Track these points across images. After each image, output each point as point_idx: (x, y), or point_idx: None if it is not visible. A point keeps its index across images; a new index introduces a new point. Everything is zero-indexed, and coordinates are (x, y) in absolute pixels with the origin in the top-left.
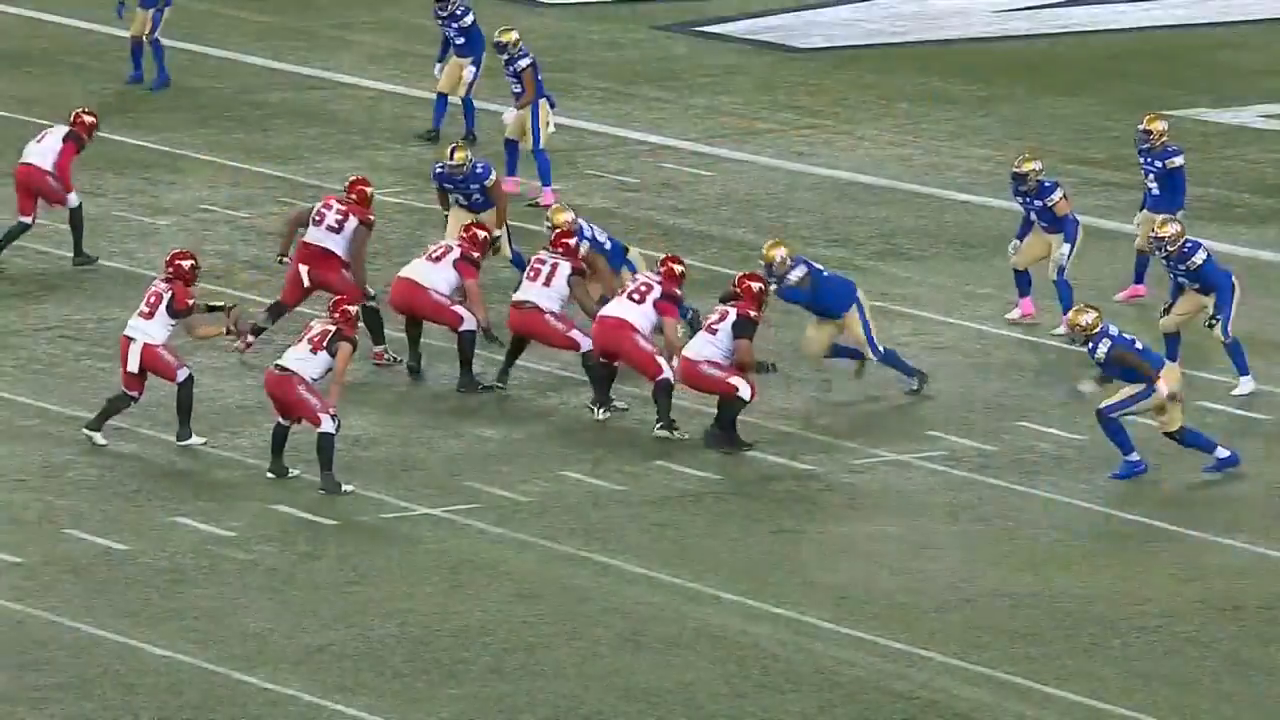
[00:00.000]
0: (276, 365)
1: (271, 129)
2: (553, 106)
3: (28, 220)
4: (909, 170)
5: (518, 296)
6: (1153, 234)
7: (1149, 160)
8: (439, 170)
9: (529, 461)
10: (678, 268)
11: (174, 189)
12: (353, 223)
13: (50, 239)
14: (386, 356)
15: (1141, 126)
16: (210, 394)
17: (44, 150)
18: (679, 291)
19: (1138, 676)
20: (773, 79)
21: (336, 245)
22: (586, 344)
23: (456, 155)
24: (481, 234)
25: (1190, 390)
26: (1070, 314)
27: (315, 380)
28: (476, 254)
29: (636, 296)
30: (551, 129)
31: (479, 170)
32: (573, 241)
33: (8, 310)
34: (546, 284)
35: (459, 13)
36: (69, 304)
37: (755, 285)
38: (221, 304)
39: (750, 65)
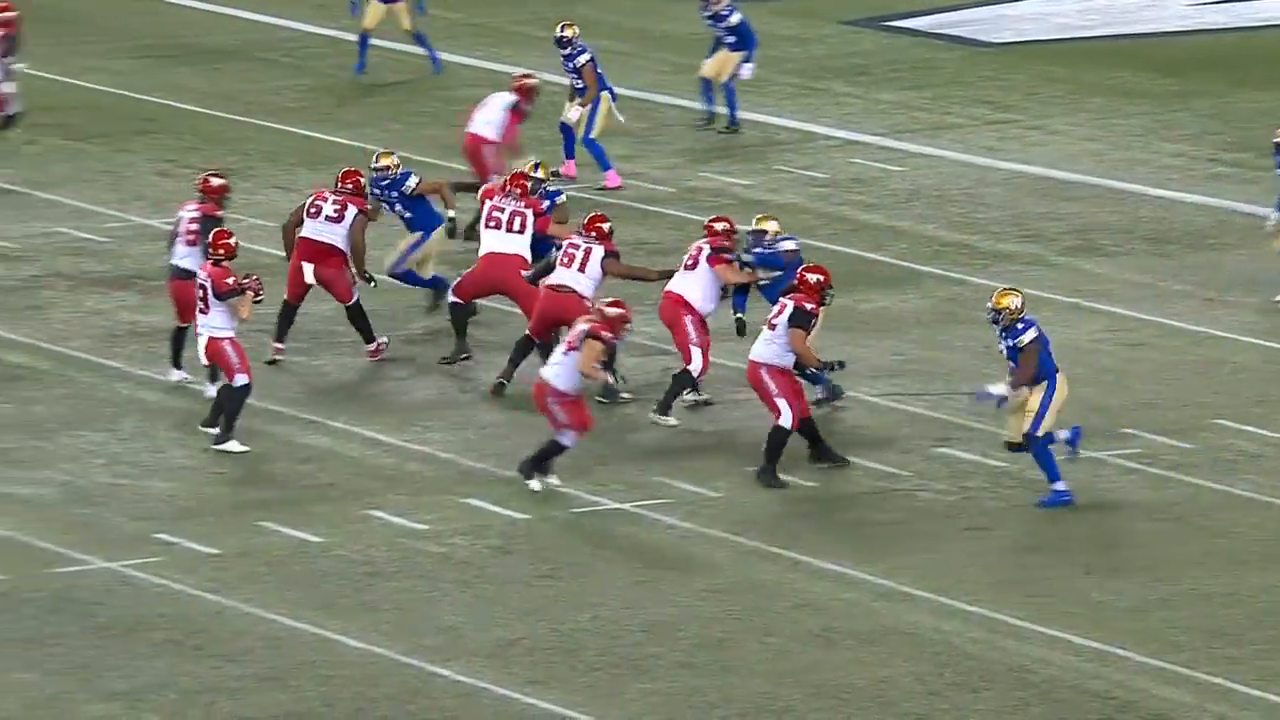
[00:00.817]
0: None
1: (463, 124)
2: (614, 98)
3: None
4: (1102, 165)
5: (553, 281)
6: None
7: None
8: (373, 175)
9: (719, 457)
10: (719, 225)
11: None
12: (352, 212)
13: (247, 234)
14: (384, 352)
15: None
16: (402, 388)
17: (489, 120)
18: (727, 242)
19: None
20: (963, 74)
21: (337, 236)
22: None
23: (382, 159)
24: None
25: None
26: (996, 296)
27: (569, 390)
28: (543, 204)
29: (691, 263)
30: (619, 118)
31: (399, 176)
32: (606, 226)
33: None
34: (581, 269)
35: (724, 13)
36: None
37: (813, 277)
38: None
39: (940, 60)
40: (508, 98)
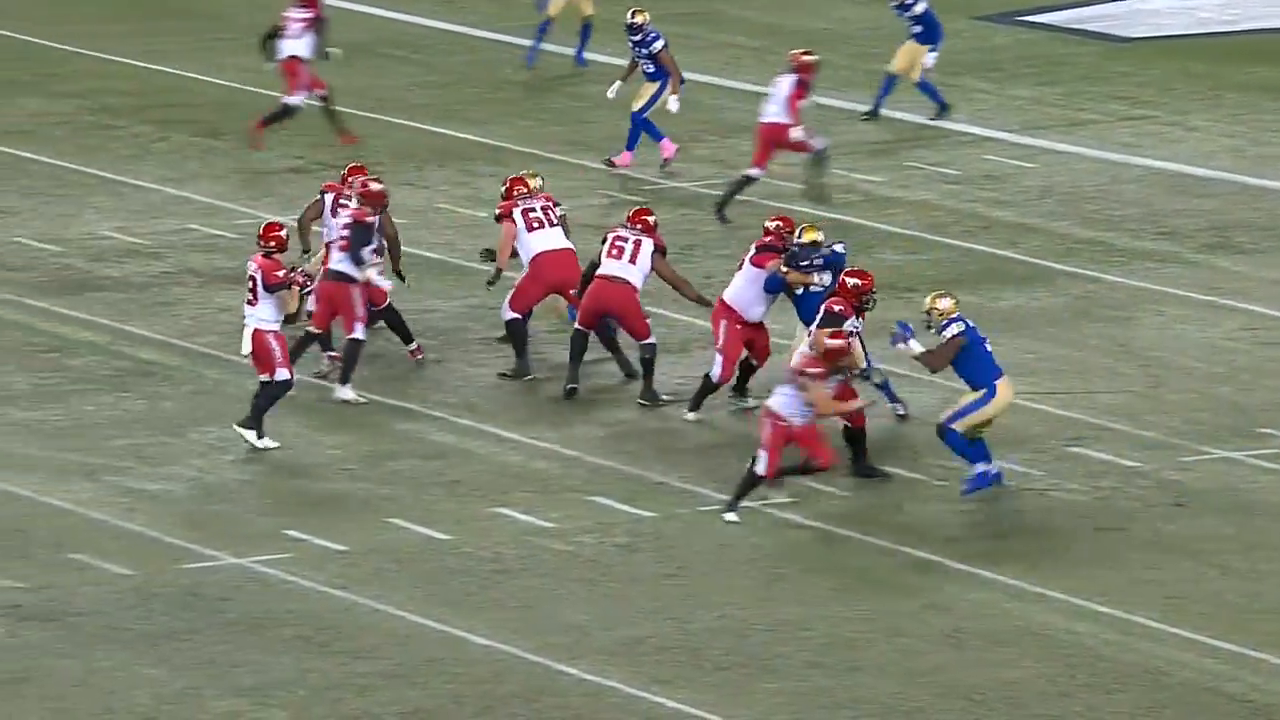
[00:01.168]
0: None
1: (591, 120)
2: (681, 82)
3: (757, 173)
4: (1241, 162)
5: (603, 272)
6: None
7: None
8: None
9: (847, 456)
10: (771, 224)
11: (494, 181)
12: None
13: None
14: (421, 354)
15: None
16: (528, 386)
17: (777, 107)
18: (771, 240)
19: None
20: (1098, 69)
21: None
22: (652, 338)
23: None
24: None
25: None
26: (929, 298)
27: (797, 418)
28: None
29: (740, 266)
30: (672, 106)
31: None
32: (651, 219)
33: None
34: (632, 261)
35: (910, 1)
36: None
37: (852, 282)
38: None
39: (1074, 55)
40: (789, 78)
